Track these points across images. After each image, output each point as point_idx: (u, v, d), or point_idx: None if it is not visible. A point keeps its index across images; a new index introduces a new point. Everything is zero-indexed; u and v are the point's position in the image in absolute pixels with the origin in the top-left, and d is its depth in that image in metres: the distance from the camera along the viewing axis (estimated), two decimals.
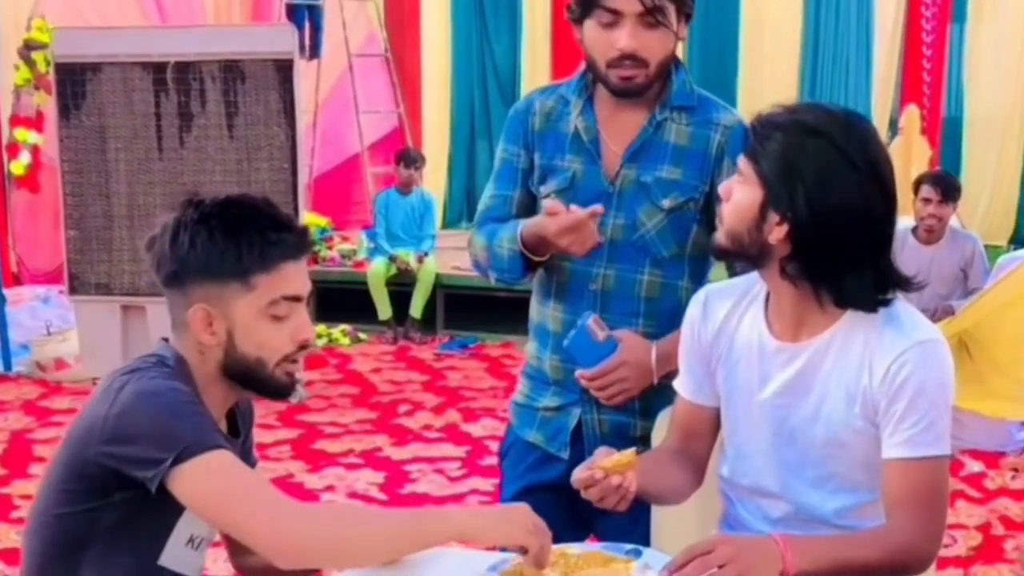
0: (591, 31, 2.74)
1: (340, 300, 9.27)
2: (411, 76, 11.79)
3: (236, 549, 2.53)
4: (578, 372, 2.79)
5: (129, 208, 6.96)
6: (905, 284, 2.29)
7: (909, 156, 9.21)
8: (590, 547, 2.40)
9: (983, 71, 10.65)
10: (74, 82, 6.96)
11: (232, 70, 6.85)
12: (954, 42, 10.70)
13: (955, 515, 5.21)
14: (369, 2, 11.27)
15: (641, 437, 2.84)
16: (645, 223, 2.81)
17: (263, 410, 6.80)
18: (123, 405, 2.13)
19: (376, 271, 9.16)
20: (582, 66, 2.88)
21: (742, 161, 2.29)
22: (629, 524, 2.64)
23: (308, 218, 9.13)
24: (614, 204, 2.81)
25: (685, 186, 2.79)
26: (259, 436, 6.27)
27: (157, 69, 6.89)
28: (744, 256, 2.34)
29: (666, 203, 2.79)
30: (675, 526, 2.71)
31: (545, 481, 2.91)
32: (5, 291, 8.28)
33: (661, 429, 2.76)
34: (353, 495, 5.72)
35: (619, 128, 2.83)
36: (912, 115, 9.76)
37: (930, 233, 6.77)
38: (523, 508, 2.19)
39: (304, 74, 8.21)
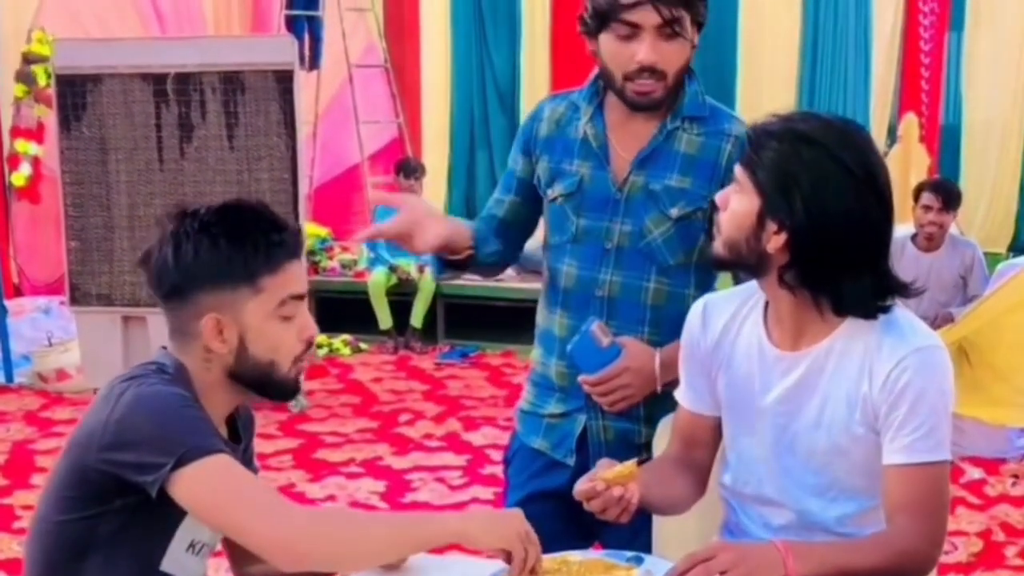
0: (608, 44, 2.72)
1: (341, 310, 9.27)
2: (411, 86, 11.80)
3: (238, 558, 2.53)
4: (581, 378, 2.80)
5: (130, 219, 6.97)
6: (903, 290, 2.30)
7: (908, 164, 9.22)
8: (592, 555, 2.41)
9: (981, 79, 10.65)
10: (74, 93, 6.97)
11: (232, 81, 6.86)
12: (952, 50, 10.71)
13: (956, 522, 5.21)
14: (369, 13, 11.28)
15: (646, 444, 2.84)
16: (652, 231, 2.81)
17: (264, 420, 6.81)
18: (123, 411, 2.14)
19: (377, 281, 9.17)
20: (594, 73, 2.88)
21: (738, 170, 2.30)
22: (632, 532, 2.64)
23: (309, 229, 9.14)
24: (621, 210, 2.82)
25: (693, 195, 2.79)
26: (260, 446, 6.29)
27: (157, 80, 6.90)
28: (742, 265, 2.35)
29: (674, 212, 2.79)
30: (677, 533, 2.71)
31: (550, 488, 2.90)
32: (6, 302, 8.29)
33: (662, 436, 2.77)
34: (354, 504, 5.72)
35: (629, 135, 2.83)
36: (911, 123, 9.77)
37: (930, 241, 6.79)
38: (515, 514, 2.20)
39: (304, 85, 8.22)
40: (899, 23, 10.58)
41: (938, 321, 6.29)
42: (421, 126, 11.95)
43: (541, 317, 3.01)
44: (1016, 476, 5.98)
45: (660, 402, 2.81)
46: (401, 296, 9.19)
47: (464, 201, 12.05)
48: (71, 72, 6.98)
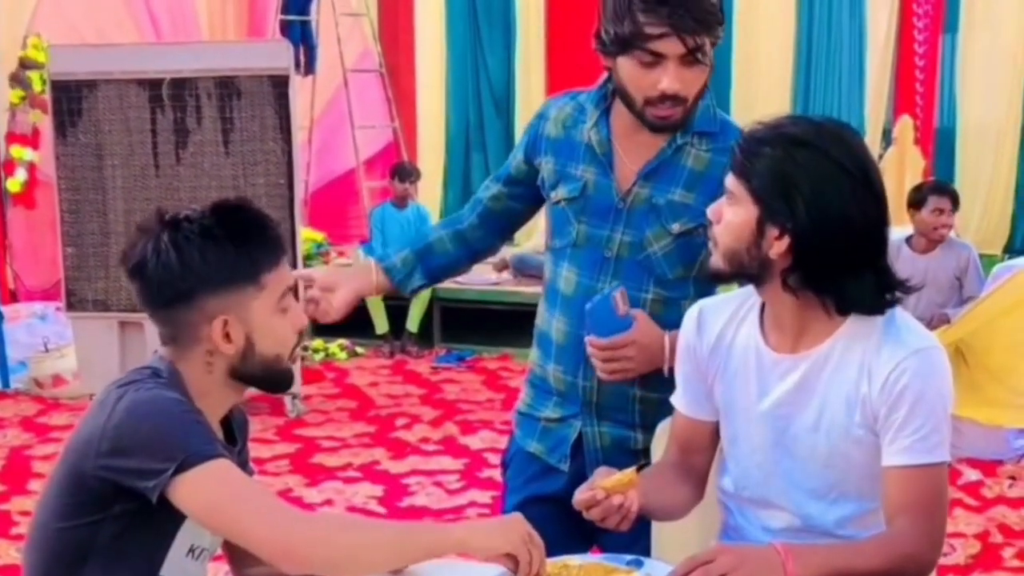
0: (629, 69, 2.68)
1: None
2: (406, 91, 11.80)
3: (238, 561, 2.53)
4: (588, 338, 2.75)
5: (126, 225, 6.96)
6: (902, 286, 2.31)
7: (903, 167, 9.23)
8: (591, 558, 2.42)
9: (976, 81, 10.66)
10: (70, 99, 6.98)
11: (228, 86, 6.87)
12: (947, 52, 10.71)
13: (953, 524, 5.21)
14: (363, 18, 11.29)
15: (643, 450, 2.83)
16: (652, 244, 2.80)
17: (261, 424, 6.82)
18: (121, 417, 2.14)
19: None
20: (603, 77, 2.86)
21: (731, 181, 2.30)
22: (631, 535, 2.63)
23: (305, 234, 9.13)
24: (623, 220, 2.81)
25: (696, 211, 2.74)
26: (257, 451, 6.29)
27: (153, 86, 6.90)
28: (743, 275, 2.35)
29: (676, 227, 2.78)
30: (676, 537, 2.71)
31: (547, 493, 2.91)
32: (2, 308, 8.30)
33: (660, 440, 2.77)
34: (352, 509, 5.72)
35: (636, 145, 2.80)
36: (906, 126, 9.78)
37: (931, 243, 6.78)
38: (517, 518, 2.22)
39: (299, 90, 8.23)
40: (893, 26, 10.59)
41: (934, 322, 6.30)
42: (416, 130, 11.96)
43: (541, 319, 3.00)
44: (1013, 478, 5.99)
45: (656, 408, 2.81)
46: (397, 300, 9.16)
47: (459, 205, 11.95)
48: (66, 78, 6.99)
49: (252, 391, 2.47)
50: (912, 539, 2.22)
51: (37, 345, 8.13)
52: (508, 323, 8.42)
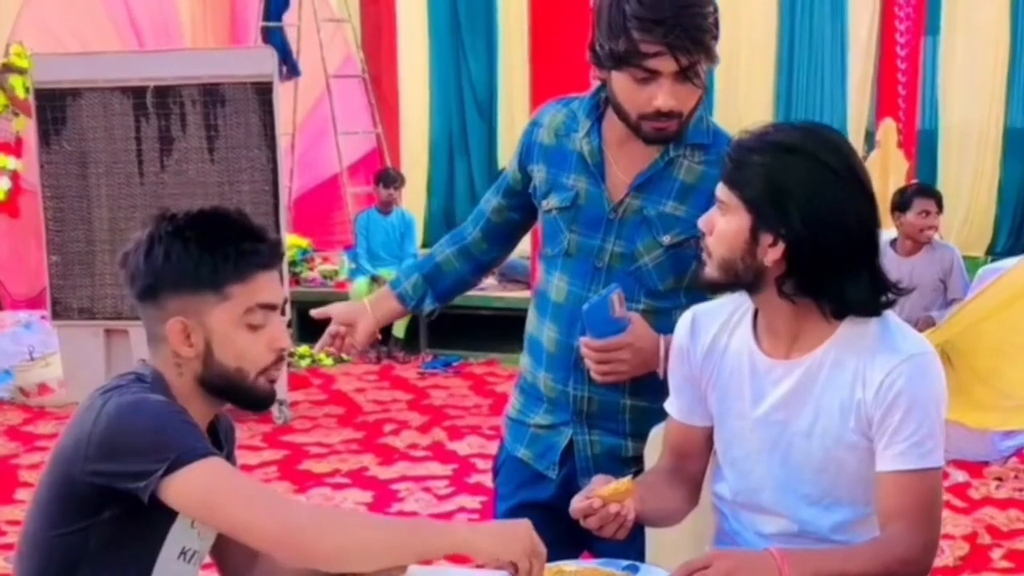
0: (624, 84, 2.68)
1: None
2: (389, 96, 11.80)
3: (231, 571, 2.52)
4: (583, 339, 2.75)
5: (111, 233, 6.96)
6: (895, 288, 2.31)
7: (886, 170, 9.25)
8: (586, 564, 2.42)
9: (958, 83, 10.71)
10: (54, 108, 6.97)
11: (212, 93, 6.87)
12: (928, 55, 10.75)
13: (941, 526, 5.22)
14: (346, 24, 11.28)
15: (634, 458, 2.83)
16: (643, 255, 2.80)
17: (248, 431, 6.81)
18: (107, 421, 2.14)
19: (358, 291, 9.14)
20: (595, 86, 2.86)
21: (722, 191, 2.30)
22: (624, 542, 2.65)
23: (289, 240, 9.13)
24: (615, 231, 2.81)
25: (687, 223, 2.73)
26: (245, 458, 6.29)
27: (137, 94, 6.90)
28: (738, 284, 2.34)
29: (667, 239, 2.78)
30: (670, 542, 2.71)
31: (537, 500, 2.91)
32: None
33: (652, 448, 2.77)
34: None
35: (629, 155, 2.80)
36: (888, 128, 9.79)
37: (915, 245, 6.80)
38: (524, 525, 2.19)
39: (282, 96, 8.22)
40: (875, 29, 10.62)
41: (919, 325, 6.31)
42: (400, 136, 11.96)
43: (531, 324, 3.00)
44: (1000, 479, 6.01)
45: (647, 417, 2.81)
46: None
47: (443, 210, 12.05)
48: (50, 86, 6.98)
49: None
50: (906, 544, 2.23)
51: (22, 354, 8.10)
52: (494, 328, 8.42)
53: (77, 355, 7.07)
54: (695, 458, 2.56)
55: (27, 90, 7.76)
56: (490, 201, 3.11)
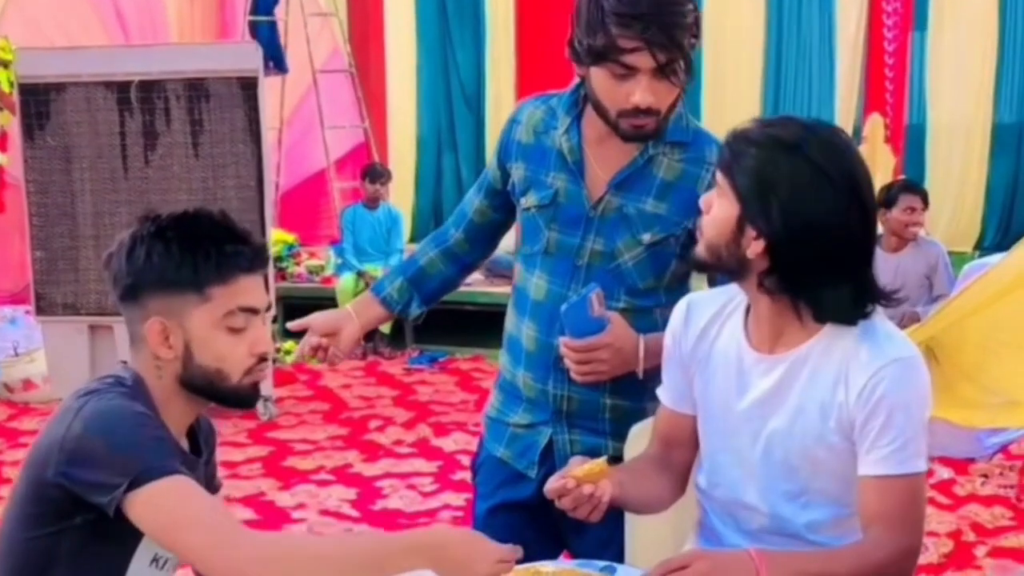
0: (602, 80, 2.67)
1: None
2: (376, 91, 11.78)
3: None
4: (563, 339, 2.74)
5: (95, 228, 6.93)
6: (885, 298, 2.30)
7: (874, 165, 9.24)
8: (564, 564, 2.41)
9: (945, 78, 10.71)
10: (38, 102, 6.93)
11: (196, 88, 6.84)
12: (916, 50, 10.75)
13: (926, 523, 5.21)
14: (333, 18, 11.25)
15: (614, 458, 2.81)
16: (623, 253, 2.79)
17: (233, 428, 6.79)
18: (79, 428, 2.13)
19: (344, 287, 9.14)
20: (574, 82, 2.84)
21: (719, 175, 2.29)
22: (603, 541, 2.64)
23: (275, 235, 9.10)
24: (594, 229, 2.79)
25: (667, 221, 2.76)
26: (229, 454, 6.28)
27: (121, 88, 6.86)
28: (722, 269, 2.34)
29: (647, 237, 2.77)
30: (650, 544, 2.71)
31: (517, 500, 2.90)
32: None
33: (632, 446, 2.76)
34: (325, 512, 5.70)
35: (608, 153, 2.79)
36: (876, 124, 9.80)
37: (900, 241, 6.80)
38: (486, 558, 2.12)
39: (268, 90, 8.19)
40: (863, 24, 10.62)
41: (904, 321, 6.31)
42: (387, 130, 11.95)
43: (510, 323, 2.99)
44: (985, 476, 6.01)
45: (627, 416, 2.81)
46: None
47: (431, 205, 12.04)
48: (34, 81, 6.94)
49: None
50: (888, 548, 2.22)
51: (7, 349, 8.07)
52: (481, 324, 8.40)
53: (61, 351, 7.04)
54: (683, 447, 2.55)
55: (11, 85, 7.72)
56: (472, 202, 3.10)
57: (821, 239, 2.19)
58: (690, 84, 2.75)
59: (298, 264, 9.87)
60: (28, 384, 7.73)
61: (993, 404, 6.10)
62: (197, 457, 2.38)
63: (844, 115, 10.54)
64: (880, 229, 6.75)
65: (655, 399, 2.61)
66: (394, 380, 8.34)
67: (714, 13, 10.65)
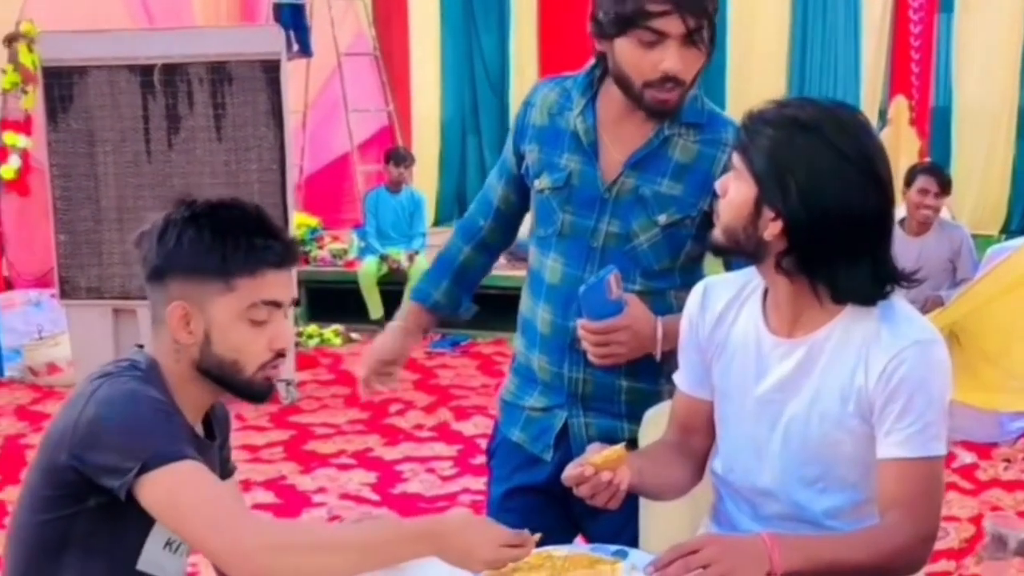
0: (628, 50, 2.65)
1: (331, 300, 9.27)
2: (400, 74, 11.79)
3: None
4: (581, 321, 2.73)
5: (119, 211, 6.95)
6: (904, 278, 2.29)
7: (898, 147, 9.21)
8: (576, 549, 2.40)
9: (972, 60, 10.66)
10: (61, 86, 6.95)
11: (219, 71, 6.84)
12: (942, 32, 10.71)
13: (948, 507, 5.21)
14: (357, 1, 11.26)
15: (630, 440, 2.80)
16: (639, 235, 2.77)
17: (254, 411, 6.80)
18: (93, 411, 2.14)
19: (367, 270, 9.16)
20: (590, 63, 2.84)
21: (735, 157, 2.28)
22: (618, 526, 2.64)
23: (299, 218, 9.13)
24: (609, 211, 2.78)
25: (683, 203, 2.75)
26: (251, 438, 6.30)
27: (144, 71, 6.87)
28: (740, 252, 2.32)
29: (662, 218, 2.76)
30: (664, 528, 2.69)
31: (532, 483, 2.90)
32: None
33: (648, 429, 2.76)
34: (345, 496, 5.71)
35: (623, 134, 2.78)
36: (900, 106, 9.76)
37: (922, 225, 6.79)
38: (488, 543, 2.14)
39: (293, 74, 8.20)
40: (889, 5, 10.58)
41: (928, 305, 6.30)
42: (411, 114, 11.96)
43: (525, 306, 2.98)
44: (1008, 460, 5.98)
45: (643, 399, 2.80)
46: (392, 285, 9.15)
47: (455, 188, 12.05)
48: (57, 64, 6.96)
49: None
50: (904, 533, 2.20)
51: (31, 333, 8.12)
52: (502, 307, 8.31)
53: (85, 334, 7.07)
54: (700, 432, 2.54)
55: (35, 65, 7.74)
56: (495, 189, 3.08)
57: (839, 218, 2.17)
58: (712, 63, 2.74)
59: (321, 248, 9.88)
60: (52, 367, 7.77)
61: (1016, 388, 6.10)
62: (211, 442, 2.39)
63: (869, 97, 10.50)
64: (903, 212, 6.74)
65: (671, 381, 2.60)
66: (415, 364, 8.34)
67: None
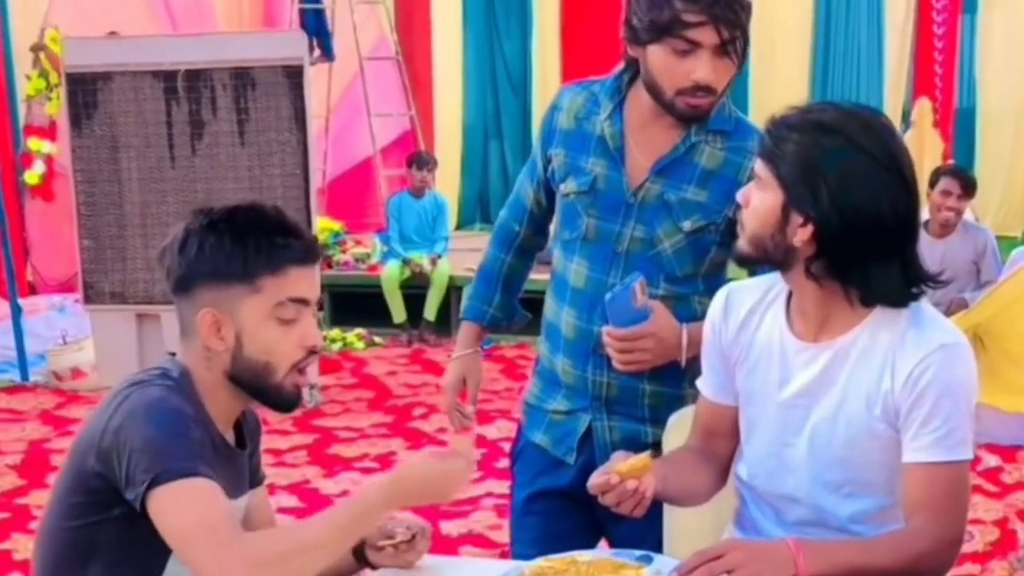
0: (661, 57, 2.66)
1: (355, 304, 9.28)
2: (422, 78, 11.80)
3: None
4: (606, 328, 2.74)
5: (142, 217, 6.99)
6: (931, 279, 2.28)
7: (922, 149, 9.19)
8: (600, 554, 2.40)
9: (995, 62, 10.63)
10: (85, 92, 6.98)
11: (242, 77, 6.87)
12: (965, 33, 10.68)
13: (972, 510, 5.14)
14: (379, 5, 11.28)
15: (654, 444, 2.80)
16: (663, 240, 2.78)
17: (278, 415, 6.78)
18: (119, 420, 2.14)
19: (390, 274, 9.17)
20: (618, 67, 2.85)
21: (759, 165, 2.27)
22: (642, 530, 2.63)
23: (322, 223, 9.14)
24: (634, 216, 2.79)
25: (708, 209, 2.76)
26: (275, 442, 6.31)
27: (168, 77, 6.90)
28: (768, 261, 2.31)
29: (687, 225, 2.77)
30: (688, 532, 2.69)
31: (555, 487, 2.90)
32: (21, 301, 8.30)
33: (671, 433, 2.76)
34: None
35: (649, 139, 2.79)
36: (924, 108, 9.74)
37: (945, 227, 6.77)
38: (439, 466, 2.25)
39: (315, 78, 8.22)
40: (912, 7, 10.56)
41: (952, 307, 6.28)
42: (433, 118, 11.97)
43: (549, 311, 2.99)
44: None
45: (666, 403, 2.81)
46: (414, 289, 9.19)
47: (477, 192, 12.06)
48: (81, 70, 6.99)
49: None
50: (929, 538, 2.19)
51: (56, 338, 8.14)
52: (526, 311, 8.40)
53: (109, 339, 7.10)
54: (724, 438, 2.54)
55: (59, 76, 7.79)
56: (527, 193, 3.09)
57: (870, 220, 2.17)
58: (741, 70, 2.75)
59: (344, 252, 9.90)
60: (77, 372, 7.79)
61: None
62: (241, 450, 2.40)
63: (893, 100, 10.48)
64: (926, 214, 6.72)
65: (695, 386, 2.59)
66: (439, 367, 8.33)
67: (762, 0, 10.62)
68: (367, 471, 6.14)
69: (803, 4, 10.97)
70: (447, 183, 11.25)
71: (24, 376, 7.97)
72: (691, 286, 2.82)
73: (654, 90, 2.71)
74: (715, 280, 2.79)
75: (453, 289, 9.13)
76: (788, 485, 2.39)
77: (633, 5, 2.70)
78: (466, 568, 2.28)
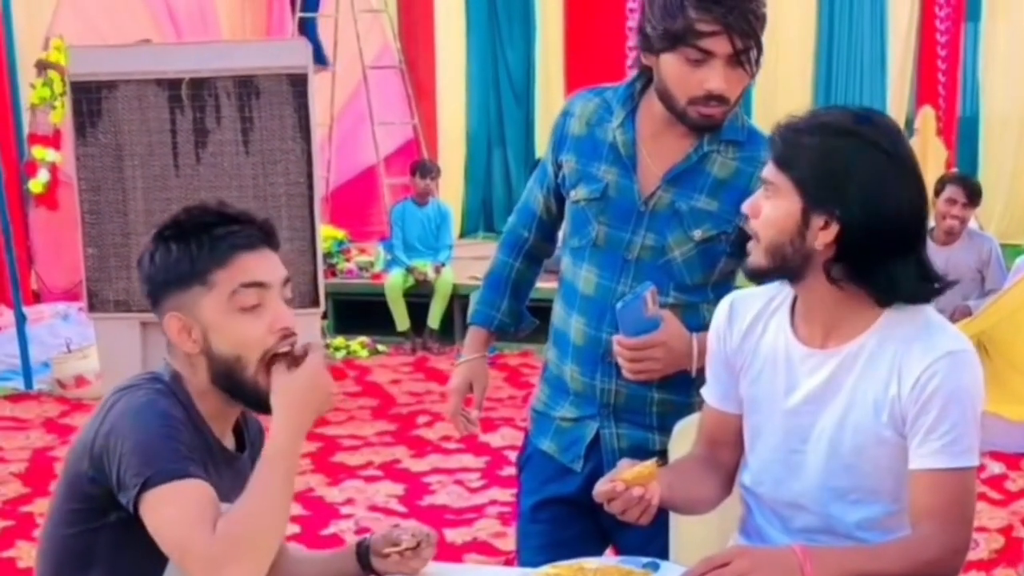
0: (674, 66, 2.67)
1: (358, 312, 9.29)
2: (426, 87, 11.80)
3: None
4: (617, 338, 2.75)
5: (147, 225, 6.92)
6: (940, 278, 2.28)
7: (925, 158, 9.19)
8: (607, 561, 2.41)
9: (999, 70, 10.62)
10: (89, 100, 6.96)
11: (247, 85, 6.85)
12: (969, 41, 10.68)
13: (977, 518, 5.11)
14: (383, 14, 11.28)
15: (661, 452, 2.80)
16: (673, 249, 2.79)
17: None
18: (111, 423, 2.15)
19: (394, 282, 9.18)
20: (632, 75, 2.85)
21: (771, 172, 2.27)
22: (648, 537, 2.63)
23: (325, 231, 9.14)
24: (645, 224, 2.79)
25: (719, 219, 2.76)
26: None
27: (172, 86, 6.88)
28: (784, 270, 2.30)
29: (698, 234, 2.77)
30: (694, 540, 2.70)
31: (562, 494, 2.91)
32: (25, 309, 8.30)
33: (678, 441, 2.76)
34: (373, 508, 5.71)
35: (662, 148, 2.79)
36: (927, 116, 9.74)
37: (950, 235, 6.77)
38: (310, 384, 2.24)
39: (319, 87, 8.22)
40: (915, 15, 10.55)
41: (956, 315, 6.28)
42: (436, 126, 11.96)
43: (558, 318, 2.99)
44: None
45: (674, 411, 2.81)
46: (418, 297, 9.19)
47: (481, 201, 12.05)
48: (86, 79, 6.98)
49: None
50: (936, 545, 2.20)
51: (60, 346, 8.16)
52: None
53: (113, 348, 7.08)
54: (729, 447, 2.54)
55: (64, 84, 7.79)
56: (536, 199, 3.09)
57: (891, 216, 2.18)
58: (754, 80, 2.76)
59: (348, 260, 9.90)
60: (81, 380, 7.80)
61: None
62: (240, 454, 2.40)
63: (896, 107, 10.47)
64: (931, 222, 6.73)
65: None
66: (443, 375, 8.32)
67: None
68: (371, 479, 6.14)
69: (806, 12, 10.97)
70: (450, 191, 11.25)
71: (28, 384, 7.98)
72: (701, 295, 2.82)
73: (667, 99, 2.72)
74: (724, 289, 2.78)
75: (457, 297, 9.13)
76: (794, 492, 2.39)
77: (647, 13, 2.71)
78: (471, 574, 2.27)
